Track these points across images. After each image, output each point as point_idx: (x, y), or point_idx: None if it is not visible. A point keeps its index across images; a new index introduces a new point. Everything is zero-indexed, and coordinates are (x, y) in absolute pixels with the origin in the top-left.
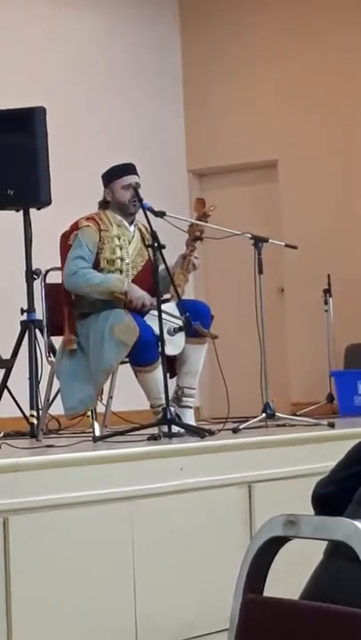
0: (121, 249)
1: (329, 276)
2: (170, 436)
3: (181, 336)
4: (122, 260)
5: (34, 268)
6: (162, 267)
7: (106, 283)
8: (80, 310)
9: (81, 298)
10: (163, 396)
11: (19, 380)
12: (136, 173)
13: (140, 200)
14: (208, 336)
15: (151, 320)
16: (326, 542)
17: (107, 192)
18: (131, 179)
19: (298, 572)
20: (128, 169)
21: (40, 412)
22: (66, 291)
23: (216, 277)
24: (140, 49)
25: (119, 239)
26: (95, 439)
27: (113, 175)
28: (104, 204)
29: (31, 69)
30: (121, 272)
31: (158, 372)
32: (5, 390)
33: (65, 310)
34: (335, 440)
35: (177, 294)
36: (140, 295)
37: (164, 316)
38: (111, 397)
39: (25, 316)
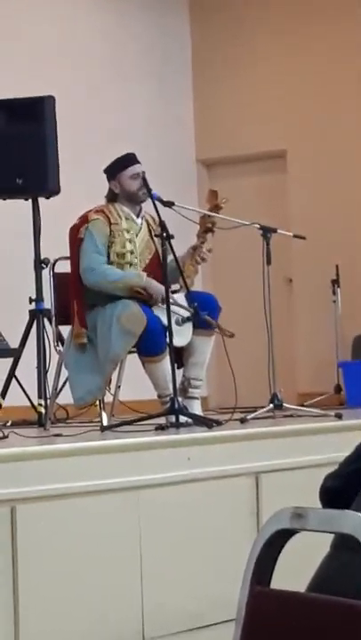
0: (130, 242)
1: (337, 266)
2: (177, 425)
3: (189, 327)
4: (131, 253)
5: (42, 258)
6: (170, 257)
7: (125, 278)
8: (88, 302)
9: (89, 289)
10: (170, 386)
11: (27, 369)
12: (139, 162)
13: (149, 189)
14: (216, 326)
15: (159, 310)
16: (333, 535)
17: (114, 184)
18: (137, 168)
19: (305, 564)
20: (133, 159)
21: (48, 401)
22: (76, 283)
23: (224, 268)
24: (149, 39)
25: (128, 232)
26: (103, 429)
27: (119, 167)
28: (111, 197)
29: (43, 60)
30: (130, 265)
31: (166, 362)
32: (13, 379)
33: (74, 302)
34: (343, 431)
35: (186, 285)
36: (159, 290)
37: (172, 306)
38: (119, 387)
39: (33, 306)
